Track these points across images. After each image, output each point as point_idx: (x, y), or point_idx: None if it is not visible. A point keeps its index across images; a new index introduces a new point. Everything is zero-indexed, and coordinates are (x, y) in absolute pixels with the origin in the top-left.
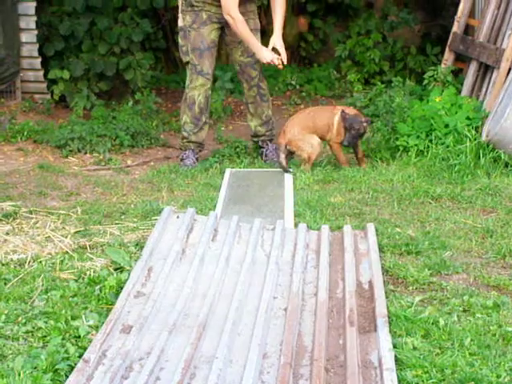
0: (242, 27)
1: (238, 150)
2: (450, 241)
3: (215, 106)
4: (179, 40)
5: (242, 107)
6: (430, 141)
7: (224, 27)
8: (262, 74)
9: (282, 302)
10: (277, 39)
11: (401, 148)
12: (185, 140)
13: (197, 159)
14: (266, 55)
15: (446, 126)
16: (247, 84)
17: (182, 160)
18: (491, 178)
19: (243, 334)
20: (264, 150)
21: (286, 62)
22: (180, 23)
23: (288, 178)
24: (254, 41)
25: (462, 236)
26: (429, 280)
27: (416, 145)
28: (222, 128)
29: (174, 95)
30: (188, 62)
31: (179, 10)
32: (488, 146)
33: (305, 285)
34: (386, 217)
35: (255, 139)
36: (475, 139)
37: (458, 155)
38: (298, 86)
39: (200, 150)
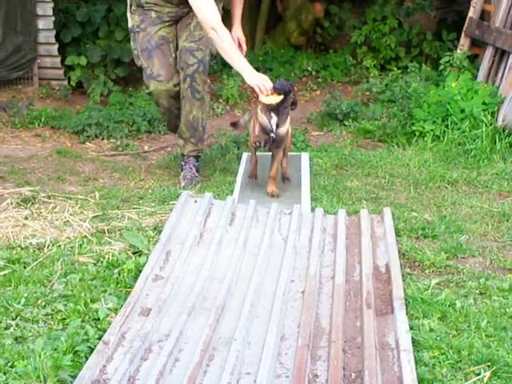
0: (228, 42)
1: None
2: (467, 225)
3: (232, 91)
4: (131, 43)
5: None
6: (446, 126)
7: (178, 21)
8: (204, 69)
9: (300, 285)
10: (238, 31)
11: (417, 133)
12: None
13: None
14: (253, 79)
15: (462, 111)
16: (182, 73)
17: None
18: (507, 162)
19: (261, 316)
20: (184, 166)
21: (244, 54)
22: (129, 24)
23: (305, 163)
24: (240, 59)
25: (479, 220)
26: (445, 263)
27: (432, 130)
28: (239, 114)
29: None
30: (140, 67)
31: (127, 10)
32: (504, 130)
33: (322, 268)
34: (403, 201)
35: (180, 141)
36: (491, 124)
37: (474, 140)
38: (313, 72)
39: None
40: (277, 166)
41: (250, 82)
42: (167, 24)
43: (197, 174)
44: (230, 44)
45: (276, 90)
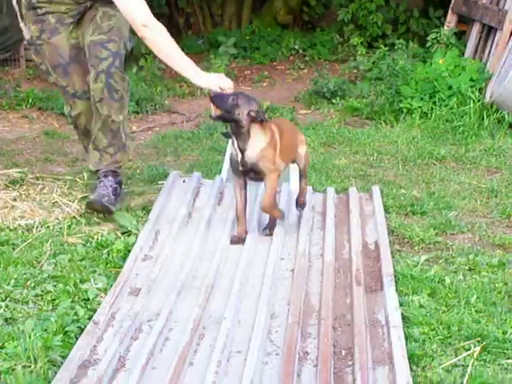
0: (163, 37)
1: None
2: (455, 201)
3: (219, 70)
4: (33, 57)
5: (246, 72)
6: (434, 103)
7: (81, 19)
8: (121, 63)
9: (289, 263)
10: None
11: (404, 110)
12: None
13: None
14: (204, 79)
15: (450, 87)
16: (94, 70)
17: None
18: (495, 138)
19: (251, 294)
20: (98, 184)
21: None
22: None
23: None
24: (185, 60)
25: (467, 196)
26: (434, 240)
27: (420, 107)
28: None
29: None
30: (55, 83)
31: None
32: (492, 107)
33: (311, 246)
34: (391, 178)
35: (94, 157)
36: (479, 100)
37: (462, 116)
38: (301, 51)
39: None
40: (269, 193)
41: (200, 83)
42: (71, 27)
43: (112, 197)
44: (166, 40)
45: (212, 102)
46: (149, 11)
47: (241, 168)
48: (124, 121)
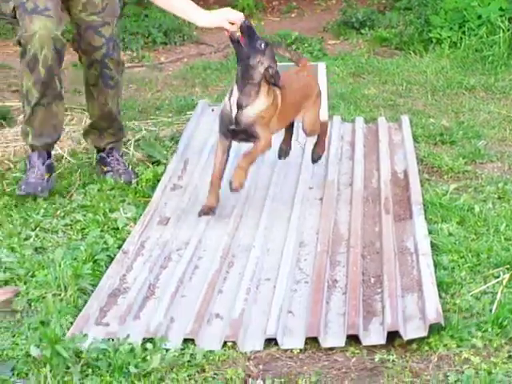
0: None
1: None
2: (484, 130)
3: (247, 1)
4: None
5: (274, 3)
6: (463, 32)
7: None
8: (116, 47)
9: (318, 192)
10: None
11: (434, 40)
12: (27, 128)
13: (50, 168)
14: (209, 18)
15: (479, 17)
16: (87, 57)
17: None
18: None
19: (280, 223)
20: (107, 159)
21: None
22: None
23: (321, 71)
24: (183, 2)
25: (496, 126)
26: (463, 168)
27: (449, 36)
28: (254, 24)
29: None
30: (13, 8)
31: None
32: None
33: (340, 175)
34: (420, 108)
35: (93, 134)
36: (508, 30)
37: (492, 46)
38: None
39: (49, 154)
40: (250, 157)
41: (205, 23)
42: None
43: (129, 169)
44: None
45: (242, 31)
46: None
47: (232, 127)
48: (120, 102)
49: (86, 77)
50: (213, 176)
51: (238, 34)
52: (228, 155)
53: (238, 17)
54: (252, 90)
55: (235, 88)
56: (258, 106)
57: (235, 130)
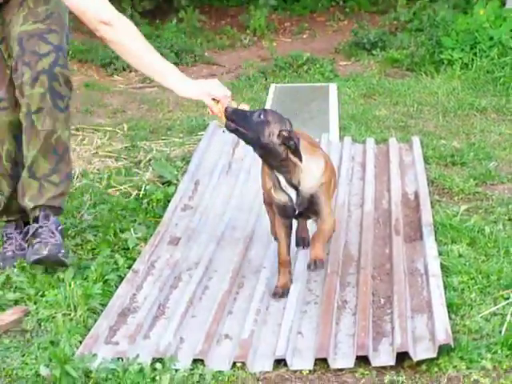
0: (135, 37)
1: (282, 65)
2: (495, 152)
3: (259, 22)
4: None
5: (286, 24)
6: (475, 54)
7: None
8: (65, 60)
9: None
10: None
11: (445, 61)
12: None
13: (24, 240)
14: (193, 89)
15: (491, 38)
16: (30, 70)
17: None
18: None
19: (290, 244)
20: (33, 229)
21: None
22: None
23: (333, 92)
24: (165, 64)
25: (508, 147)
26: (474, 190)
27: (460, 58)
28: (266, 45)
29: (217, 12)
30: None
31: None
32: None
33: (351, 196)
34: (431, 129)
35: (31, 189)
36: None
37: (503, 67)
38: (341, 2)
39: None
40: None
41: (186, 93)
42: None
43: (63, 247)
44: (137, 40)
45: (229, 119)
46: (108, 5)
47: (297, 209)
48: (70, 136)
49: (28, 103)
50: (281, 255)
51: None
52: (291, 230)
53: (222, 93)
54: (291, 165)
55: (276, 174)
56: (314, 175)
57: (299, 212)
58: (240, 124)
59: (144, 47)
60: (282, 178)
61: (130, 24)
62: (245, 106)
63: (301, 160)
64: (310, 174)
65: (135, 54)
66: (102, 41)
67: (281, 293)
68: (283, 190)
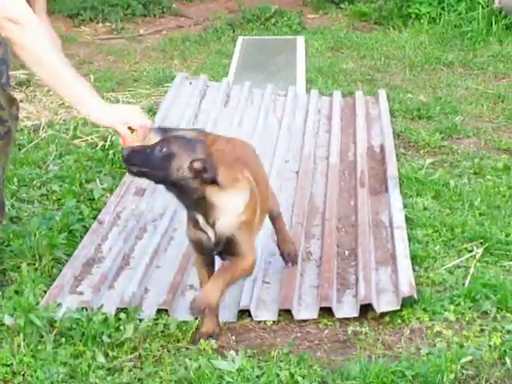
0: (45, 41)
1: (250, 17)
2: (462, 106)
3: None
4: None
5: None
6: (443, 8)
7: None
8: (8, 76)
9: (294, 165)
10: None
11: (413, 15)
12: None
13: None
14: (107, 115)
15: None
16: None
17: None
18: (503, 44)
19: None
20: None
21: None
22: None
23: (300, 45)
24: (77, 81)
25: (474, 101)
26: (440, 144)
27: (428, 12)
28: None
29: None
30: None
31: None
32: (500, 12)
33: (316, 148)
34: (398, 83)
35: None
36: (487, 6)
37: (471, 22)
38: None
39: None
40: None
41: (99, 119)
42: None
43: None
44: (48, 49)
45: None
46: (22, 2)
47: (213, 248)
48: (6, 166)
49: None
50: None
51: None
52: (214, 266)
53: (140, 123)
54: (207, 202)
55: (195, 213)
56: (232, 212)
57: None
58: (143, 164)
59: (58, 60)
60: (200, 217)
61: (47, 29)
62: (148, 124)
63: (221, 191)
64: (227, 212)
65: (46, 66)
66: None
67: (208, 338)
68: (201, 229)
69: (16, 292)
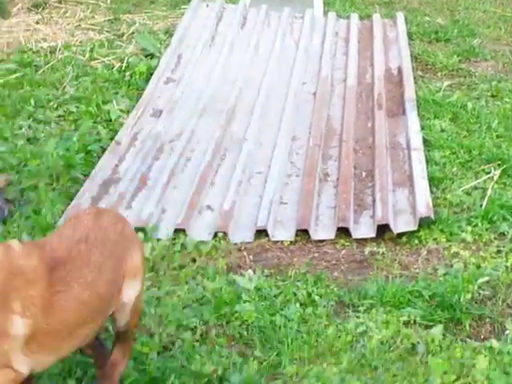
0: None
1: None
2: (479, 29)
3: None
4: None
5: None
6: None
7: None
8: None
9: (311, 87)
10: None
11: None
12: None
13: None
14: None
15: None
16: None
17: None
18: None
19: (272, 118)
20: None
21: None
22: None
23: None
24: None
25: (492, 24)
26: (458, 66)
27: None
28: None
29: None
30: None
31: None
32: None
33: (334, 71)
34: (416, 5)
35: None
36: None
37: None
38: None
39: None
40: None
41: None
42: None
43: None
44: None
45: None
46: None
47: None
48: None
49: None
50: None
51: None
52: None
53: None
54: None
55: None
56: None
57: None
58: None
59: None
60: None
61: None
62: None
63: None
64: None
65: None
66: None
67: None
68: None
69: (34, 211)
